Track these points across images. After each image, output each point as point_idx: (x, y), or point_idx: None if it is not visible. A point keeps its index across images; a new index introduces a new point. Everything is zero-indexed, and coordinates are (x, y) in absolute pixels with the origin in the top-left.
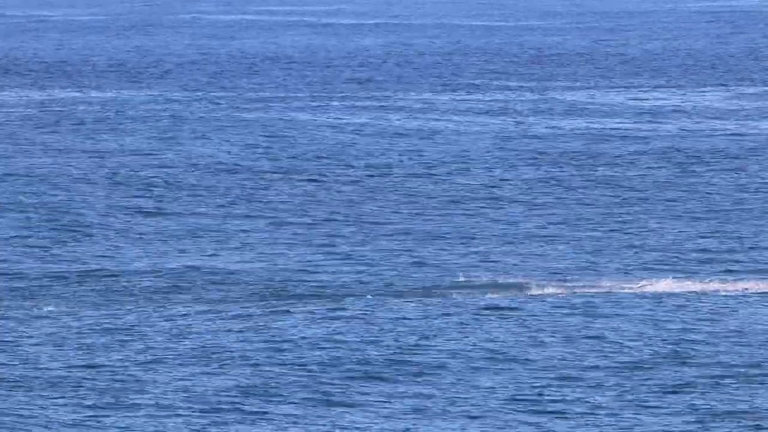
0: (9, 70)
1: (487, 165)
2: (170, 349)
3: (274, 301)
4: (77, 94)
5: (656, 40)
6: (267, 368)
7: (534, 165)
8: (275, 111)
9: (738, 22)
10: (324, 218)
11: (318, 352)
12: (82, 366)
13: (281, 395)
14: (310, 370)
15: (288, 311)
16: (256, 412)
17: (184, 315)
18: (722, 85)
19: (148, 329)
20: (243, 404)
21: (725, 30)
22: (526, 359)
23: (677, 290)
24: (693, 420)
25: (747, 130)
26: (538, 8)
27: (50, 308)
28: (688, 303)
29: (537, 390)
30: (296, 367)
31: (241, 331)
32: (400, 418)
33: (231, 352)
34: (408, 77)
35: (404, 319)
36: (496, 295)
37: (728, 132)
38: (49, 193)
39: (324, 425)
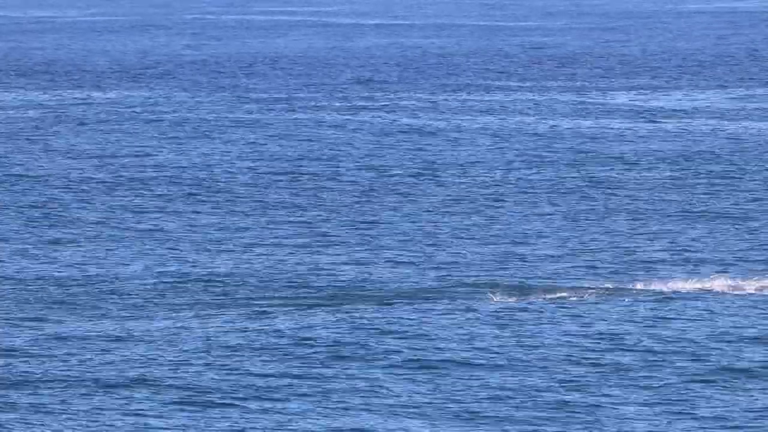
0: (9, 70)
1: (487, 165)
2: (170, 349)
3: (274, 302)
4: (77, 94)
5: (656, 40)
6: (267, 368)
7: (534, 165)
8: (275, 111)
9: (738, 22)
10: (324, 218)
11: (318, 352)
12: (82, 366)
13: (281, 394)
14: (310, 370)
15: (288, 311)
16: (257, 411)
17: (184, 315)
18: (722, 85)
19: (148, 329)
20: (243, 403)
21: (725, 30)
22: (526, 359)
23: (677, 290)
24: (693, 420)
25: (747, 131)
26: (538, 8)
27: (50, 308)
28: (687, 303)
29: (537, 390)
30: (296, 367)
31: (241, 331)
32: (400, 418)
33: (231, 352)
34: (408, 77)
35: (404, 319)
36: (496, 296)
37: (728, 132)
38: (49, 193)
39: (324, 424)
